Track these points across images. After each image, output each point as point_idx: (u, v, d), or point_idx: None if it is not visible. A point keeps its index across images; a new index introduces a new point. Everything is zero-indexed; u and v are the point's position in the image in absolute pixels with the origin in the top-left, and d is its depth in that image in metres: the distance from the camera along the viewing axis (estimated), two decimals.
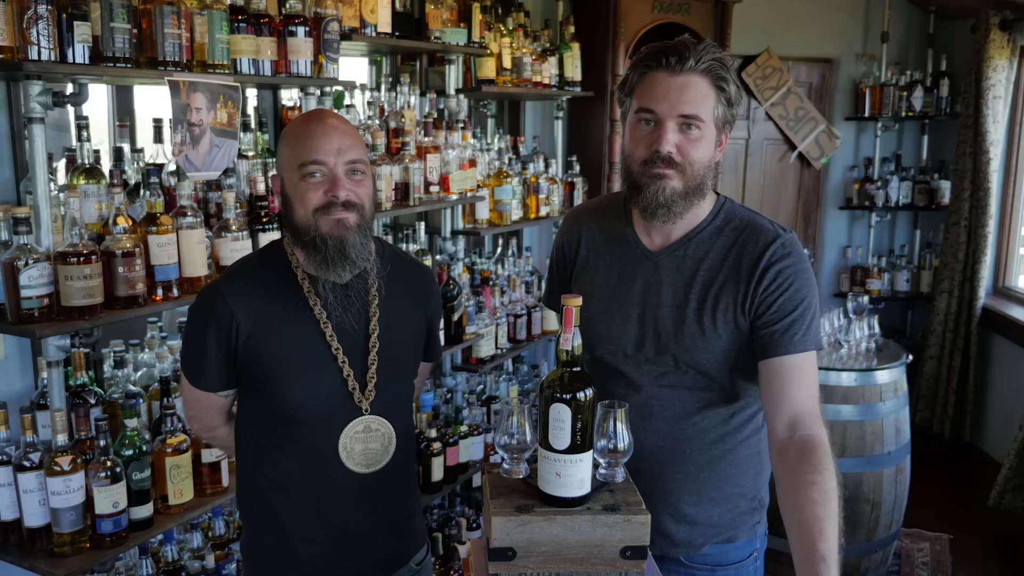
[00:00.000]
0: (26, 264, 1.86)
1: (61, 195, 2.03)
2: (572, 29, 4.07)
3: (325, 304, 1.61)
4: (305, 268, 1.63)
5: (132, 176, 2.25)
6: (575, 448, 1.29)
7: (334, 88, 2.74)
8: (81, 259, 1.89)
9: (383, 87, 3.20)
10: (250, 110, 2.63)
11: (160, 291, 2.08)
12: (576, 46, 4.02)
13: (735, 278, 1.60)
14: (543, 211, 3.74)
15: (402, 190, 2.93)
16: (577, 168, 4.08)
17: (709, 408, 1.65)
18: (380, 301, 1.66)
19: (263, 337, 1.59)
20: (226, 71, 2.23)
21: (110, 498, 1.96)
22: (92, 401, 2.11)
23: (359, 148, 1.60)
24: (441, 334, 3.12)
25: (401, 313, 1.71)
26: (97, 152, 2.16)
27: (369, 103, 3.06)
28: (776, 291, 1.57)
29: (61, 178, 2.17)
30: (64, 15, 1.87)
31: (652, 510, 1.61)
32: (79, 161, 2.05)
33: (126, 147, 2.29)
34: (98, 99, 2.57)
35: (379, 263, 1.67)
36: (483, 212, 3.50)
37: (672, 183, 1.55)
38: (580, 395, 1.29)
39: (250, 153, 2.51)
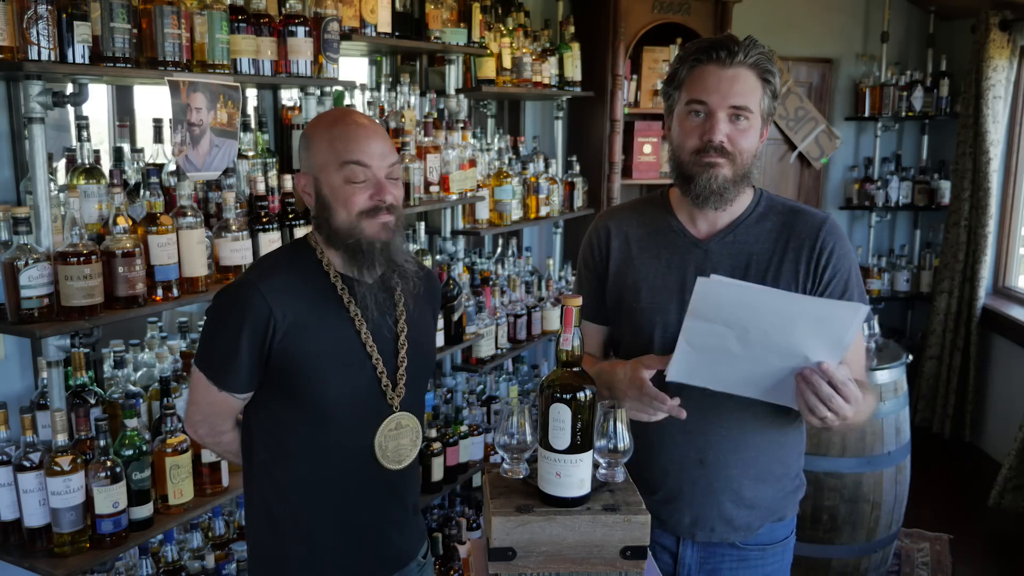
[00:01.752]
0: (26, 264, 1.86)
1: (61, 195, 2.03)
2: (572, 29, 4.07)
3: (359, 304, 1.61)
4: (337, 268, 1.62)
5: (132, 176, 2.25)
6: (575, 448, 1.29)
7: (334, 88, 2.73)
8: (81, 259, 1.89)
9: (383, 87, 3.20)
10: (250, 110, 2.63)
11: (160, 291, 2.08)
12: (576, 46, 4.02)
13: (793, 258, 1.66)
14: (543, 211, 3.74)
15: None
16: (577, 168, 4.08)
17: None
18: (405, 301, 1.68)
19: (299, 336, 1.56)
20: (226, 71, 2.23)
21: (110, 498, 1.96)
22: (92, 401, 2.11)
23: (394, 150, 1.63)
24: (440, 334, 3.14)
25: (420, 313, 1.73)
26: (97, 152, 2.16)
27: (369, 103, 3.06)
28: (835, 270, 1.65)
29: (61, 178, 2.17)
30: (64, 15, 1.87)
31: (715, 497, 1.69)
32: (79, 161, 2.05)
33: (126, 147, 2.29)
34: (98, 99, 2.57)
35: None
36: (483, 212, 3.50)
37: (724, 171, 1.60)
38: (580, 395, 1.29)
39: (250, 153, 2.51)
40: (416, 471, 1.79)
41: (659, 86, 1.76)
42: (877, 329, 3.60)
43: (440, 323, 3.12)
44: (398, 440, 1.65)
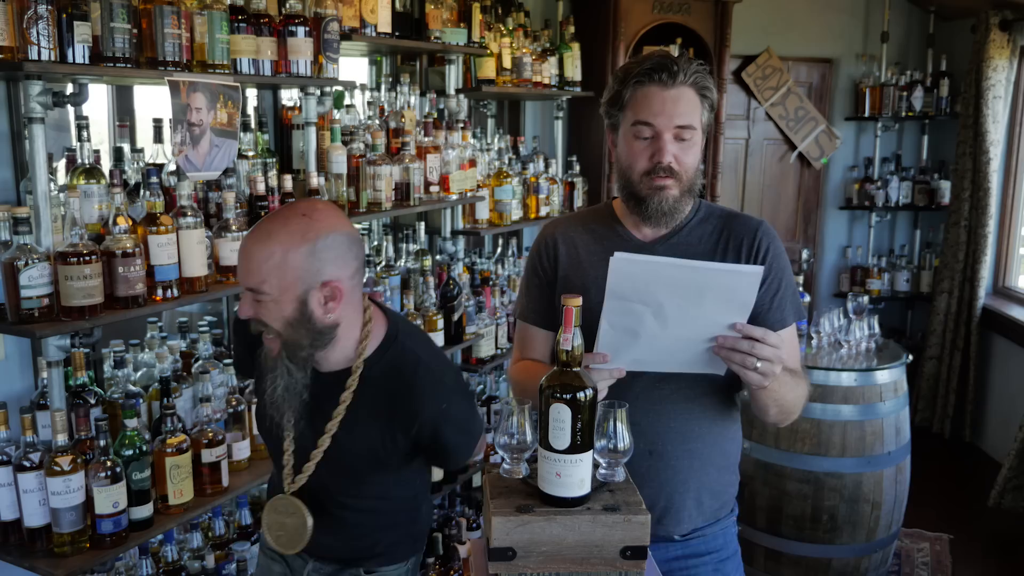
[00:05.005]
0: (26, 264, 1.86)
1: (61, 195, 2.03)
2: (572, 29, 4.07)
3: (286, 386, 1.59)
4: None
5: (132, 176, 2.25)
6: (575, 448, 1.29)
7: (334, 88, 2.74)
8: (81, 259, 1.89)
9: (383, 87, 3.20)
10: (250, 110, 2.63)
11: (160, 291, 2.08)
12: (576, 46, 4.02)
13: (733, 258, 1.73)
14: (543, 211, 3.74)
15: (402, 190, 2.93)
16: (577, 168, 4.08)
17: (713, 383, 1.73)
18: (349, 408, 1.61)
19: (258, 376, 1.67)
20: (226, 71, 2.23)
21: (110, 498, 1.96)
22: (92, 401, 2.11)
23: (260, 272, 1.50)
24: (441, 334, 3.13)
25: (368, 431, 1.62)
26: (97, 152, 2.16)
27: (369, 103, 3.06)
28: (770, 268, 1.71)
29: (61, 178, 2.17)
30: (64, 15, 1.87)
31: (664, 489, 1.73)
32: (79, 161, 2.05)
33: (126, 147, 2.29)
34: (98, 99, 2.57)
35: (363, 368, 1.61)
36: (483, 212, 3.50)
37: (672, 192, 1.68)
38: (580, 395, 1.29)
39: (250, 153, 2.51)
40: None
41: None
42: (877, 329, 3.60)
43: (440, 323, 3.12)
44: (282, 520, 1.66)
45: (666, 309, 1.50)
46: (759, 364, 1.50)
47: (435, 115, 3.27)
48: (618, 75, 1.72)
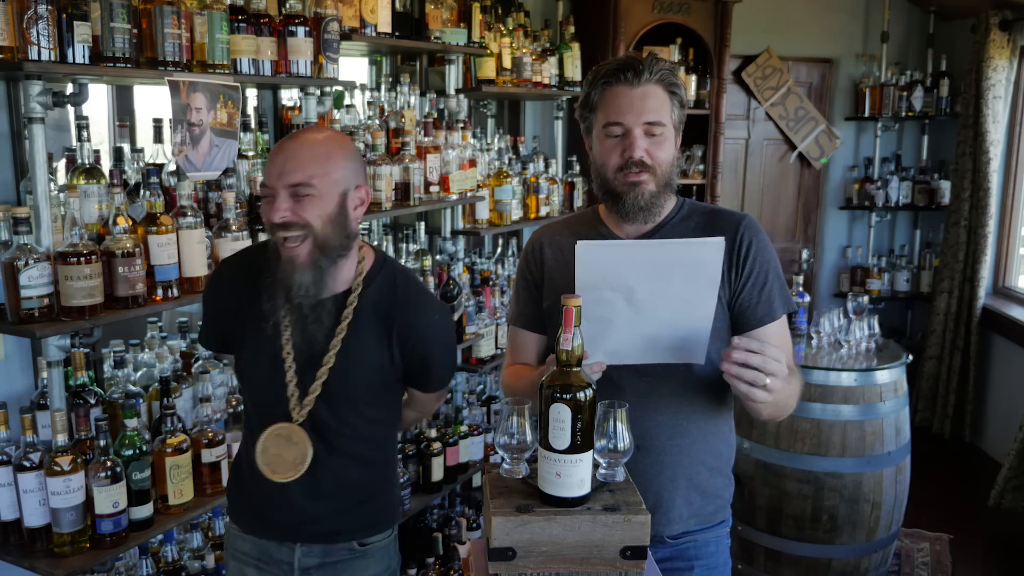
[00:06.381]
0: (26, 264, 1.86)
1: (61, 195, 2.03)
2: (572, 29, 4.07)
3: (289, 316, 1.69)
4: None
5: (132, 176, 2.25)
6: (575, 448, 1.29)
7: (334, 88, 2.74)
8: (81, 259, 1.89)
9: (383, 87, 3.20)
10: (250, 110, 2.63)
11: (160, 291, 2.08)
12: (576, 46, 4.02)
13: None
14: (543, 211, 3.74)
15: (402, 190, 2.93)
16: (577, 168, 4.08)
17: (701, 379, 1.73)
18: (350, 325, 1.70)
19: (243, 318, 1.74)
20: (226, 71, 2.23)
21: (110, 498, 1.96)
22: (92, 401, 2.11)
23: (308, 168, 1.61)
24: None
25: (368, 346, 1.72)
26: (97, 152, 2.16)
27: (369, 103, 3.06)
28: (754, 263, 1.72)
29: (61, 178, 2.17)
30: (64, 15, 1.87)
31: (652, 486, 1.71)
32: (79, 161, 2.05)
33: (126, 147, 2.29)
34: (98, 99, 2.57)
35: (363, 287, 1.72)
36: (483, 212, 3.50)
37: (648, 187, 1.69)
38: (580, 395, 1.29)
39: (250, 153, 2.51)
40: (316, 490, 1.75)
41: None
42: (877, 329, 3.60)
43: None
44: (281, 450, 1.68)
45: (637, 293, 1.51)
46: (768, 381, 1.48)
47: (435, 115, 3.27)
48: (588, 78, 1.75)
